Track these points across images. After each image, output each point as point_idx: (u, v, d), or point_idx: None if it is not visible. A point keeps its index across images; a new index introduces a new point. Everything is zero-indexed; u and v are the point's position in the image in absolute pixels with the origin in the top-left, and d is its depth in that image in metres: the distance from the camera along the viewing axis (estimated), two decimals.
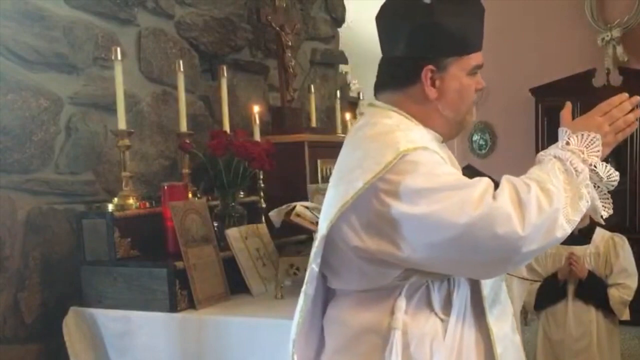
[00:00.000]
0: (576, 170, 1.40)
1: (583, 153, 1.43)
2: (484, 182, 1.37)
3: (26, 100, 2.50)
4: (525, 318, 3.32)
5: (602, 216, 1.46)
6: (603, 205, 1.46)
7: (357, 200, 1.39)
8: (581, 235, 3.26)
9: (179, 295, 2.33)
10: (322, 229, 1.46)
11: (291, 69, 3.40)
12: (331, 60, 4.40)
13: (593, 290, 3.18)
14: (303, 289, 1.53)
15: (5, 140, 2.43)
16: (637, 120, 1.51)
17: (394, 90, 1.53)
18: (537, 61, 5.76)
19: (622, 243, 3.24)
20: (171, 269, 2.33)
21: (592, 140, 1.45)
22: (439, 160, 1.42)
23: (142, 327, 2.35)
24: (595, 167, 1.42)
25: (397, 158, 1.37)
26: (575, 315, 3.19)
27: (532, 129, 5.71)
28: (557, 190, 1.37)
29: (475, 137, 6.25)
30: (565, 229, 1.36)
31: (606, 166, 1.44)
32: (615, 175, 1.45)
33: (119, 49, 2.52)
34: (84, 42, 2.72)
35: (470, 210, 1.32)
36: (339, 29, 4.51)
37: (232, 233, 2.54)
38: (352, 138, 1.54)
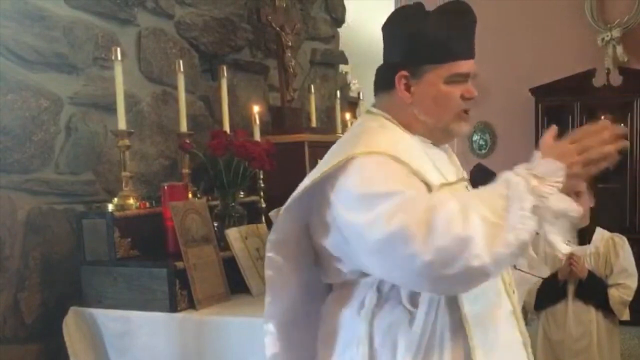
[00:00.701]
0: (518, 198, 1.30)
1: (537, 181, 1.31)
2: (405, 197, 1.34)
3: (26, 100, 2.50)
4: (525, 318, 3.32)
5: (561, 251, 1.36)
6: (565, 241, 1.36)
7: (312, 198, 1.49)
8: (581, 235, 3.26)
9: (179, 295, 2.33)
10: (277, 222, 1.60)
11: (291, 69, 3.40)
12: (331, 60, 4.40)
13: (593, 290, 3.18)
14: (266, 276, 1.63)
15: (5, 140, 2.43)
16: (619, 150, 1.41)
17: (382, 94, 1.60)
18: (537, 61, 5.75)
19: (622, 243, 3.24)
20: (171, 269, 2.33)
21: (554, 170, 1.33)
22: (383, 167, 1.42)
23: (142, 327, 2.35)
24: (546, 197, 1.30)
25: (344, 160, 1.42)
26: (575, 315, 3.19)
27: (532, 129, 5.70)
28: (479, 217, 1.27)
29: (475, 137, 6.25)
30: (483, 259, 1.26)
31: (562, 199, 1.32)
32: (573, 211, 1.33)
33: (119, 49, 2.52)
34: (84, 42, 2.72)
35: (382, 227, 1.32)
36: (339, 29, 4.51)
37: (232, 233, 2.54)
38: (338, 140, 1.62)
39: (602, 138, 1.39)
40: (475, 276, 1.31)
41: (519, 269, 1.74)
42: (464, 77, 1.53)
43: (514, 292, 1.62)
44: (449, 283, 1.32)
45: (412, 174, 1.43)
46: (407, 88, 1.53)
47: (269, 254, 1.61)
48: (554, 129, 1.47)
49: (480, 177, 1.65)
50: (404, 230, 1.29)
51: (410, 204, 1.33)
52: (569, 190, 1.35)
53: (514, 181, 1.32)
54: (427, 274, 1.30)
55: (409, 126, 1.56)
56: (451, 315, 1.47)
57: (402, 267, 1.33)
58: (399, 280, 1.42)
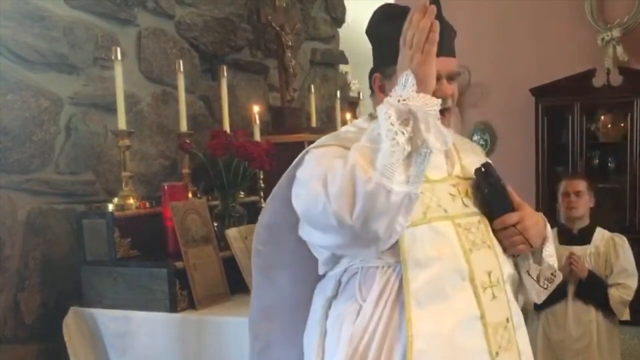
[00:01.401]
0: (385, 122, 1.33)
1: (395, 99, 1.35)
2: (321, 171, 1.43)
3: (26, 100, 2.51)
4: (525, 319, 3.31)
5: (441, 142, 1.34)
6: (442, 138, 1.35)
7: (285, 191, 1.58)
8: (581, 235, 3.26)
9: (179, 295, 2.33)
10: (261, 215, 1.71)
11: (291, 69, 3.40)
12: (331, 60, 4.40)
13: (593, 290, 3.17)
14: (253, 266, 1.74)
15: (5, 140, 2.43)
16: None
17: (372, 98, 1.67)
18: (537, 61, 5.75)
19: (622, 243, 3.24)
20: (171, 269, 2.33)
21: (405, 79, 1.37)
22: (329, 154, 1.49)
23: (142, 327, 2.35)
24: (405, 101, 1.33)
25: (303, 154, 1.55)
26: (575, 315, 3.19)
27: (532, 129, 5.70)
28: (357, 150, 1.36)
29: (475, 137, 6.24)
30: (371, 177, 1.31)
31: (420, 96, 1.35)
32: (433, 102, 1.34)
33: (119, 49, 2.53)
34: (84, 42, 2.72)
35: (307, 206, 1.44)
36: (339, 29, 4.51)
37: (232, 233, 2.54)
38: None
39: (421, 25, 1.37)
40: (379, 199, 1.33)
41: (530, 275, 1.71)
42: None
43: (494, 297, 1.54)
44: (368, 221, 1.34)
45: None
46: (382, 89, 1.58)
47: (258, 247, 1.70)
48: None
49: (484, 181, 1.62)
50: (315, 197, 1.39)
51: (321, 175, 1.42)
52: None
53: (378, 111, 1.37)
54: (343, 224, 1.35)
55: None
56: (398, 313, 1.46)
57: (330, 228, 1.39)
58: (336, 243, 1.46)
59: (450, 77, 1.56)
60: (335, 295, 1.56)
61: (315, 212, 1.40)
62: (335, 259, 1.56)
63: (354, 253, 1.51)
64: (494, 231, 1.59)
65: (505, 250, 1.60)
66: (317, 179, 1.41)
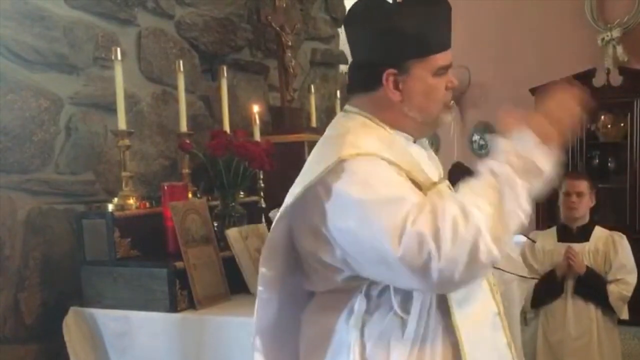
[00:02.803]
0: (510, 185, 1.31)
1: (518, 159, 1.33)
2: (409, 203, 1.32)
3: (26, 100, 2.50)
4: (525, 318, 3.32)
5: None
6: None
7: (301, 203, 1.43)
8: (580, 232, 3.27)
9: (179, 295, 2.33)
10: (269, 233, 1.53)
11: (291, 69, 3.40)
12: (331, 60, 4.40)
13: (592, 286, 3.18)
14: (258, 292, 1.58)
15: (5, 140, 2.43)
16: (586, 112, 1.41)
17: (361, 95, 1.54)
18: (537, 61, 5.75)
19: (621, 240, 3.25)
20: (171, 269, 2.33)
21: (531, 142, 1.36)
22: (377, 168, 1.39)
23: (142, 327, 2.35)
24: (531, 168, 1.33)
25: (335, 163, 1.38)
26: (575, 313, 3.19)
27: None
28: (480, 213, 1.28)
29: (475, 137, 6.25)
30: (492, 253, 1.27)
31: (545, 156, 1.35)
32: (554, 162, 1.36)
33: (119, 49, 2.52)
34: (84, 42, 2.72)
35: (389, 238, 1.29)
36: (339, 29, 4.51)
37: (232, 233, 2.54)
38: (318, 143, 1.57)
39: (570, 107, 1.39)
40: (485, 270, 1.34)
41: (497, 268, 1.74)
42: (447, 69, 1.51)
43: (498, 293, 1.61)
44: (460, 283, 1.33)
45: (403, 174, 1.41)
46: (396, 86, 1.48)
47: (262, 269, 1.57)
48: (507, 110, 1.47)
49: (459, 176, 1.63)
50: (412, 241, 1.27)
51: (414, 211, 1.30)
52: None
53: (498, 170, 1.33)
54: (440, 279, 1.28)
55: (394, 124, 1.52)
56: (442, 319, 1.46)
57: (413, 276, 1.30)
58: (405, 286, 1.39)
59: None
60: (367, 311, 1.45)
61: (408, 258, 1.28)
62: (356, 278, 1.45)
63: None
64: None
65: None
66: (417, 222, 1.28)
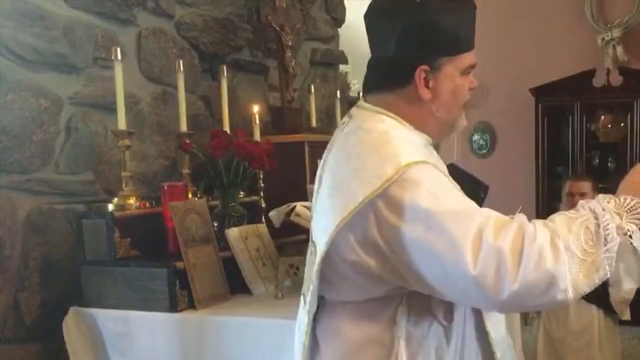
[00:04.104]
0: (606, 238, 1.27)
1: (622, 218, 1.29)
2: (483, 216, 1.29)
3: (26, 100, 2.50)
4: (525, 318, 3.32)
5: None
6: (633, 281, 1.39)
7: (355, 215, 1.34)
8: None
9: (179, 295, 2.33)
10: (321, 245, 1.40)
11: (291, 69, 3.40)
12: (331, 60, 4.39)
13: (594, 289, 3.18)
14: (307, 309, 1.49)
15: (5, 140, 2.43)
16: None
17: (385, 92, 1.47)
18: (537, 61, 5.75)
19: None
20: (171, 269, 2.33)
21: (634, 205, 1.30)
22: (439, 178, 1.37)
23: (142, 327, 2.35)
24: (631, 236, 1.28)
25: (398, 173, 1.31)
26: (576, 312, 3.20)
27: (532, 129, 5.70)
28: (568, 252, 1.25)
29: (475, 137, 6.25)
30: (567, 294, 1.25)
31: None
32: None
33: (119, 49, 2.52)
34: (84, 42, 2.72)
35: (463, 252, 1.25)
36: (339, 29, 4.51)
37: (232, 233, 2.54)
38: (344, 144, 1.46)
39: None
40: (552, 305, 1.35)
41: None
42: (473, 68, 1.49)
43: None
44: (524, 308, 1.37)
45: (450, 181, 1.40)
46: (427, 83, 1.42)
47: (315, 283, 1.46)
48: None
49: (455, 179, 1.62)
50: (491, 257, 1.24)
51: (490, 225, 1.26)
52: None
53: (602, 218, 1.29)
54: (507, 301, 1.26)
55: (418, 124, 1.46)
56: (475, 327, 1.49)
57: (480, 292, 1.27)
58: (465, 302, 1.37)
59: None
60: (408, 320, 1.41)
61: (484, 276, 1.24)
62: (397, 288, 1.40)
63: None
64: None
65: None
66: (499, 240, 1.24)
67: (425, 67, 1.41)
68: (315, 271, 1.43)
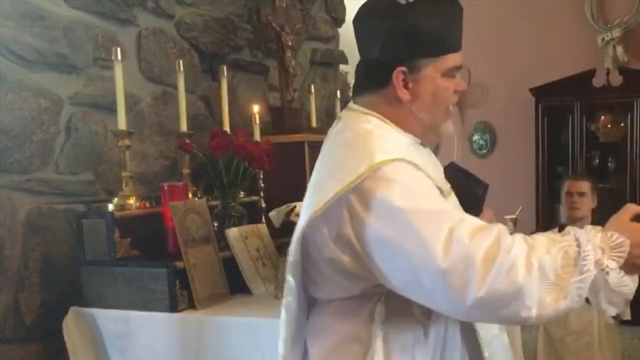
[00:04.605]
0: (582, 269, 1.26)
1: (604, 253, 1.28)
2: (457, 218, 1.29)
3: (26, 100, 2.50)
4: None
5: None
6: (616, 310, 1.36)
7: (328, 211, 1.35)
8: None
9: (179, 295, 2.33)
10: (295, 239, 1.44)
11: (291, 69, 3.40)
12: (331, 60, 4.40)
13: None
14: (284, 302, 1.50)
15: (5, 140, 2.43)
16: None
17: (371, 93, 1.50)
18: (537, 61, 5.75)
19: None
20: (171, 269, 2.33)
21: (619, 243, 1.29)
22: (416, 177, 1.36)
23: (142, 327, 2.35)
24: (607, 272, 1.27)
25: (370, 170, 1.33)
26: (576, 312, 3.19)
27: (532, 129, 5.70)
28: (541, 271, 1.24)
29: (475, 137, 6.24)
30: (531, 313, 1.24)
31: (622, 276, 1.30)
32: (628, 288, 1.32)
33: (119, 49, 2.52)
34: (84, 42, 2.72)
35: (434, 250, 1.25)
36: (339, 29, 4.51)
37: (232, 233, 2.54)
38: (329, 144, 1.50)
39: None
40: (514, 321, 1.31)
41: None
42: (457, 70, 1.49)
43: None
44: (487, 318, 1.32)
45: (429, 181, 1.39)
46: (405, 84, 1.44)
47: (289, 278, 1.47)
48: (632, 209, 1.37)
49: (454, 177, 1.62)
50: (460, 258, 1.24)
51: (469, 229, 1.26)
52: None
53: (584, 247, 1.27)
54: (472, 308, 1.25)
55: (402, 125, 1.48)
56: (459, 324, 1.47)
57: (451, 297, 1.26)
58: (431, 304, 1.35)
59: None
60: (386, 318, 1.42)
61: (452, 277, 1.24)
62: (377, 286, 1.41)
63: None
64: None
65: None
66: (474, 243, 1.24)
67: (402, 68, 1.43)
68: (291, 263, 1.45)
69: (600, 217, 3.47)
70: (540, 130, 5.65)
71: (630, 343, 4.56)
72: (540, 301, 1.24)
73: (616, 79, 5.43)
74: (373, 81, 1.49)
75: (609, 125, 5.57)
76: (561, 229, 3.54)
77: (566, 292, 1.26)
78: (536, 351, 3.31)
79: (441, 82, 1.46)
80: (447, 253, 1.24)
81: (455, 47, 1.47)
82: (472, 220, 1.31)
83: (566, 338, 3.21)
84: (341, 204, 1.34)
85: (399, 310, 1.42)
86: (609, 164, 5.66)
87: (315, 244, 1.41)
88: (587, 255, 1.27)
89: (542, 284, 1.24)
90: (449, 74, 1.47)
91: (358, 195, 1.33)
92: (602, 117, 5.57)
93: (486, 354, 1.47)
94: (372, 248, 1.32)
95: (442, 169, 1.63)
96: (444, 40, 1.44)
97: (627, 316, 3.22)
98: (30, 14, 2.52)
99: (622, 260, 1.29)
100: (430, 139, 1.55)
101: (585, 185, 3.28)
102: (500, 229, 1.29)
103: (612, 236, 1.30)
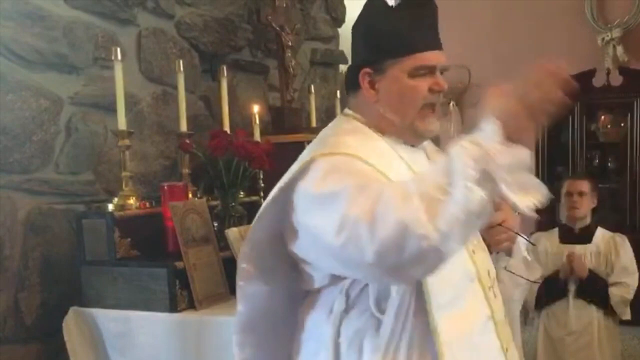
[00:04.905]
0: (463, 172, 1.18)
1: (478, 147, 1.20)
2: (351, 190, 1.29)
3: (26, 100, 2.50)
4: (525, 318, 3.32)
5: (529, 208, 1.21)
6: (530, 199, 1.23)
7: (279, 204, 1.44)
8: (583, 234, 3.27)
9: (179, 295, 2.33)
10: (250, 233, 1.55)
11: (291, 69, 3.40)
12: (331, 60, 4.40)
13: (594, 289, 3.18)
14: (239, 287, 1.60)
15: (5, 140, 2.43)
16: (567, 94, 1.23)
17: (351, 97, 1.58)
18: (537, 61, 5.75)
19: (623, 242, 3.25)
20: (171, 269, 2.33)
21: (495, 130, 1.22)
22: (342, 166, 1.37)
23: (142, 327, 2.35)
24: (494, 153, 1.19)
25: (308, 162, 1.40)
26: (576, 312, 3.20)
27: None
28: (419, 198, 1.20)
29: None
30: (429, 239, 1.18)
31: (508, 152, 1.21)
32: (522, 158, 1.22)
33: (119, 49, 2.52)
34: (84, 42, 2.72)
35: (333, 230, 1.29)
36: (339, 29, 4.51)
37: (232, 233, 2.54)
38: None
39: (547, 87, 1.23)
40: (428, 257, 1.23)
41: (509, 271, 1.72)
42: (429, 70, 1.48)
43: (495, 295, 1.55)
44: (405, 269, 1.26)
45: (377, 173, 1.40)
46: (372, 85, 1.50)
47: (242, 265, 1.58)
48: (498, 88, 1.32)
49: None
50: (352, 228, 1.26)
51: (356, 197, 1.28)
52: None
53: (454, 153, 1.21)
54: (380, 266, 1.26)
55: (378, 126, 1.52)
56: (421, 322, 1.41)
57: (358, 264, 1.29)
58: (360, 276, 1.40)
59: (442, 71, 1.53)
60: (344, 310, 1.45)
61: (349, 244, 1.27)
62: (338, 276, 1.46)
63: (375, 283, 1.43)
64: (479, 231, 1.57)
65: (488, 248, 1.61)
66: (359, 206, 1.25)
67: (367, 69, 1.49)
68: (241, 253, 1.58)
69: (600, 217, 3.49)
70: (540, 130, 5.65)
71: (630, 343, 4.56)
72: (432, 223, 1.18)
73: (616, 79, 5.43)
74: (350, 85, 1.56)
75: (609, 125, 5.56)
76: (561, 228, 3.57)
77: (453, 200, 1.19)
78: (536, 351, 3.31)
79: (409, 81, 1.47)
80: (339, 232, 1.27)
81: (425, 47, 1.48)
82: (364, 188, 1.30)
83: (566, 338, 3.21)
84: (286, 199, 1.43)
85: (356, 302, 1.45)
86: (609, 164, 5.66)
87: (286, 237, 1.49)
88: (459, 155, 1.20)
89: (424, 206, 1.20)
90: (417, 73, 1.47)
91: (294, 187, 1.41)
92: (602, 117, 5.57)
93: (447, 355, 1.41)
94: (301, 234, 1.41)
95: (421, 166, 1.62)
96: (409, 40, 1.46)
97: (627, 316, 3.23)
98: (30, 14, 2.52)
99: (500, 145, 1.21)
100: (410, 139, 1.56)
101: (585, 185, 3.28)
102: (373, 185, 1.30)
103: (486, 125, 1.23)
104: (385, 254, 1.23)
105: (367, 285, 1.43)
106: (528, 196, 1.22)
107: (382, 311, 1.42)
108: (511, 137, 1.22)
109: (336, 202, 1.30)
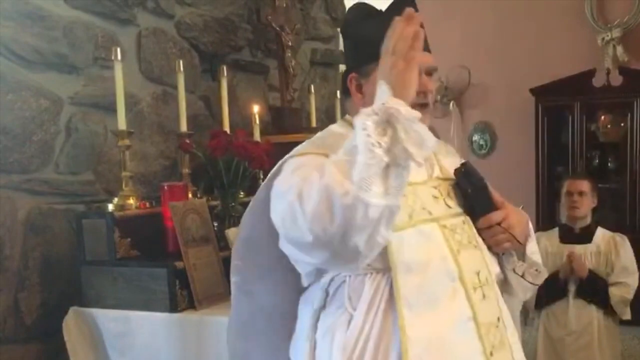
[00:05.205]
0: (363, 134, 1.24)
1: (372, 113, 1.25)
2: (297, 182, 1.33)
3: (26, 100, 2.51)
4: (525, 318, 3.32)
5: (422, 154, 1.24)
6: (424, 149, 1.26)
7: (266, 202, 1.48)
8: (583, 234, 3.27)
9: (179, 295, 2.33)
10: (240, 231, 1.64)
11: (291, 69, 3.40)
12: (331, 60, 4.40)
13: (594, 289, 3.18)
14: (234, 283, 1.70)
15: (5, 140, 2.43)
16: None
17: (345, 102, 1.66)
18: (537, 61, 5.75)
19: (623, 242, 3.25)
20: (171, 269, 2.33)
21: (383, 88, 1.29)
22: (308, 165, 1.40)
23: (142, 327, 2.35)
24: (396, 109, 1.24)
25: (281, 163, 1.49)
26: (576, 312, 3.20)
27: (532, 129, 5.70)
28: (334, 164, 1.27)
29: (475, 137, 6.25)
30: (349, 191, 1.22)
31: (399, 104, 1.25)
32: (412, 111, 1.25)
33: (119, 49, 2.52)
34: (84, 42, 2.72)
35: (281, 221, 1.37)
36: (339, 29, 4.51)
37: (232, 233, 2.54)
38: None
39: (406, 33, 1.30)
40: (357, 213, 1.23)
41: (517, 273, 1.70)
42: None
43: (484, 297, 1.52)
44: (346, 240, 1.26)
45: None
46: (359, 89, 1.56)
47: (235, 262, 1.65)
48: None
49: (465, 181, 1.61)
50: (290, 213, 1.31)
51: (299, 186, 1.32)
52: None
53: (357, 121, 1.27)
54: (320, 241, 1.27)
55: None
56: (392, 320, 1.43)
57: (305, 246, 1.32)
58: (319, 261, 1.39)
59: (428, 72, 1.56)
60: (323, 306, 1.51)
61: (292, 227, 1.32)
62: (319, 271, 1.51)
63: (337, 269, 1.47)
64: (478, 230, 1.59)
65: (489, 248, 1.61)
66: (293, 191, 1.32)
67: (354, 74, 1.57)
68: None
69: (600, 217, 3.49)
70: (540, 130, 5.65)
71: (630, 343, 4.56)
72: (348, 178, 1.23)
73: (616, 79, 5.43)
74: (343, 90, 1.64)
75: (609, 125, 5.57)
76: (561, 228, 3.57)
77: (360, 160, 1.23)
78: (536, 351, 3.31)
79: None
80: (284, 220, 1.34)
81: None
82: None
83: (566, 338, 3.21)
84: (267, 192, 1.49)
85: (334, 299, 1.50)
86: (609, 164, 5.66)
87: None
88: (359, 121, 1.26)
89: (338, 168, 1.26)
90: None
91: (270, 185, 1.47)
92: (602, 117, 5.57)
93: (415, 351, 1.41)
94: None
95: (435, 164, 1.64)
96: None
97: (627, 316, 3.23)
98: (30, 14, 2.53)
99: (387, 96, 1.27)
100: None
101: (585, 185, 3.28)
102: (306, 169, 1.36)
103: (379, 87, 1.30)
104: (318, 225, 1.25)
105: (344, 282, 1.48)
106: (422, 150, 1.25)
107: (354, 307, 1.46)
108: (398, 87, 1.29)
109: (287, 194, 1.35)
